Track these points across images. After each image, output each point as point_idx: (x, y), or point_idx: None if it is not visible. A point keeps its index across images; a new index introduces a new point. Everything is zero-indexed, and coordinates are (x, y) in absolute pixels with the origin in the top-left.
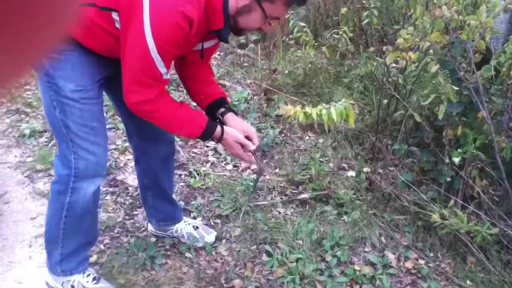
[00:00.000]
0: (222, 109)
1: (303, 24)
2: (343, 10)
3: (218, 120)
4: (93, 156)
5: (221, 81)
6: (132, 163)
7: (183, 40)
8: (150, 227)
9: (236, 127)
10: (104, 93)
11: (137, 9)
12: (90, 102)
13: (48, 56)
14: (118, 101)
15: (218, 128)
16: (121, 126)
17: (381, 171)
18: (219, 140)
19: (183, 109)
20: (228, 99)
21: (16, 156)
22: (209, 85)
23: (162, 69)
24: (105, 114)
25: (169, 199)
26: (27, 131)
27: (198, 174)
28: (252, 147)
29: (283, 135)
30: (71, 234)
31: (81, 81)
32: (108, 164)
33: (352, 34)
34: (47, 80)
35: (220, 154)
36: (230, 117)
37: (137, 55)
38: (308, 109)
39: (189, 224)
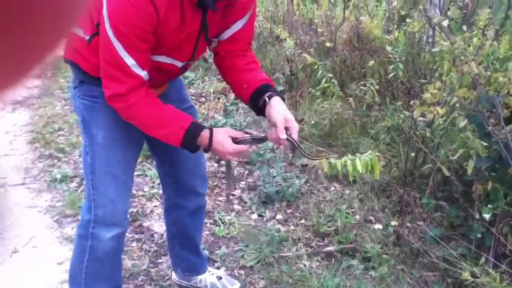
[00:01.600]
0: (268, 94)
1: (331, 75)
2: (371, 63)
3: (263, 107)
4: (112, 204)
5: (247, 130)
6: (159, 210)
7: (147, 22)
8: (174, 276)
9: (277, 112)
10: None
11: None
12: (118, 150)
13: (46, 65)
14: (153, 153)
15: (206, 132)
16: (149, 173)
17: (409, 225)
18: (208, 147)
19: (165, 109)
20: (274, 85)
21: (46, 201)
22: (251, 72)
23: (128, 59)
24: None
25: (196, 251)
26: (58, 176)
27: (223, 223)
28: (245, 149)
29: (308, 185)
30: (93, 279)
31: (111, 129)
32: (135, 210)
33: (378, 86)
34: (83, 127)
35: (245, 203)
36: (275, 101)
37: (102, 45)
38: (333, 160)
39: (213, 274)
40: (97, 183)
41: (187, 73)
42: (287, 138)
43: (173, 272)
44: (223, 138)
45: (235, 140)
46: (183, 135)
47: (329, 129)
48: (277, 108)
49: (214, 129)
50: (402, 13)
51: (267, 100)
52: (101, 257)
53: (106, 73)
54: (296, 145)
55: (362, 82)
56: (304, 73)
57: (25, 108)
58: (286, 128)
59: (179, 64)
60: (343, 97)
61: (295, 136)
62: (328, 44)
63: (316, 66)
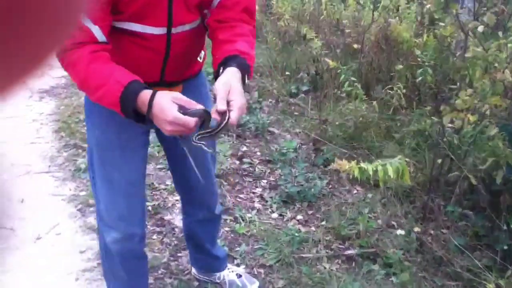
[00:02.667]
0: (228, 64)
1: (354, 79)
2: (399, 66)
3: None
4: (105, 206)
5: (270, 128)
6: (180, 204)
7: None
8: (194, 271)
9: (220, 81)
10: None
11: None
12: (114, 152)
13: (45, 65)
14: (167, 158)
15: (147, 93)
16: None
17: (432, 232)
18: (147, 112)
19: (108, 66)
20: (250, 61)
21: (70, 189)
22: (229, 44)
23: None
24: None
25: (210, 254)
26: (83, 166)
27: (243, 220)
28: (191, 123)
29: (330, 186)
30: (108, 277)
31: (106, 128)
32: (156, 203)
33: (405, 90)
34: (86, 121)
35: (266, 201)
36: (227, 71)
37: None
38: (363, 164)
39: (232, 271)
40: (96, 181)
41: (210, 70)
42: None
43: (192, 267)
44: (166, 102)
45: (185, 112)
46: (120, 93)
47: (353, 131)
48: (223, 77)
49: (159, 91)
50: (436, 16)
51: (221, 70)
52: (109, 257)
53: None
54: (218, 128)
55: (389, 85)
56: (329, 74)
57: (52, 97)
58: (229, 103)
59: (156, 31)
60: (368, 100)
61: (234, 113)
62: (355, 46)
63: (340, 70)
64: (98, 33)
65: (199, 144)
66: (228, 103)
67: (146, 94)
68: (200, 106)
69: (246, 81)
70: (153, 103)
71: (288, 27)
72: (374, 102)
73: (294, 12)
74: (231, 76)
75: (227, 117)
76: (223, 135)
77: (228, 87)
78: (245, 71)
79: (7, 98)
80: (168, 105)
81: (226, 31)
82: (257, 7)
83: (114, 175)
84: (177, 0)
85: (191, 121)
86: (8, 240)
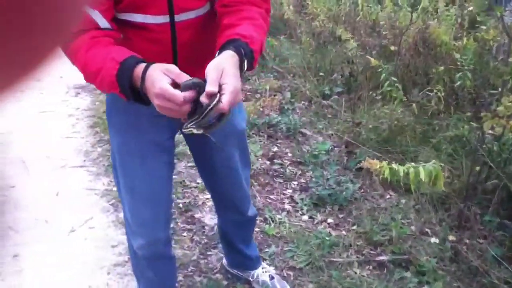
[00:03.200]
0: (226, 48)
1: (394, 79)
2: (440, 68)
3: None
4: (130, 214)
5: (302, 130)
6: (210, 203)
7: None
8: (225, 263)
9: (212, 62)
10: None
11: None
12: (134, 159)
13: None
14: (197, 161)
15: (141, 66)
16: None
17: (467, 241)
18: (141, 86)
19: (108, 48)
20: (253, 45)
21: (103, 184)
22: (233, 28)
23: None
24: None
25: (243, 254)
26: None
27: (273, 221)
28: (178, 97)
29: (362, 190)
30: (137, 277)
31: (125, 134)
32: (187, 201)
33: (443, 94)
34: (108, 127)
35: (296, 203)
36: (222, 54)
37: None
38: (395, 165)
39: (266, 272)
40: (120, 187)
41: None
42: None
43: (224, 259)
44: (157, 74)
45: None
46: (116, 70)
47: (387, 135)
48: (215, 59)
49: (154, 64)
50: (479, 19)
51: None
52: (137, 259)
53: None
54: (206, 110)
55: (428, 88)
56: (364, 76)
57: (87, 93)
58: (220, 87)
59: (157, 20)
60: (404, 103)
61: (226, 97)
62: (392, 48)
63: (380, 69)
64: (98, 18)
65: (189, 129)
66: (220, 87)
67: (141, 67)
68: (195, 79)
69: (246, 66)
70: (146, 75)
71: (323, 28)
72: (414, 105)
73: (329, 13)
74: (224, 59)
75: (216, 99)
76: (218, 124)
77: (220, 70)
78: (245, 55)
79: (6, 97)
80: (158, 76)
81: (232, 16)
82: (291, 7)
83: (135, 183)
84: None
85: (179, 96)
86: (43, 231)
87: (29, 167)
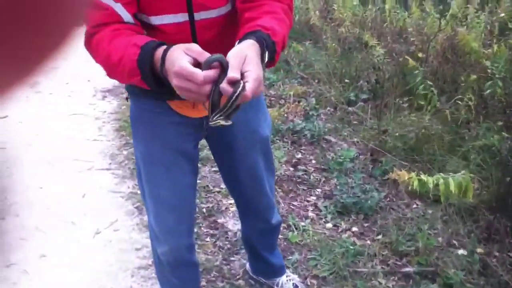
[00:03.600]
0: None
1: (430, 83)
2: (472, 77)
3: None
4: (154, 221)
5: (326, 136)
6: (233, 208)
7: None
8: (249, 269)
9: (234, 49)
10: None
11: None
12: (158, 168)
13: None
14: (221, 169)
15: (162, 48)
16: None
17: (497, 254)
18: (161, 68)
19: (131, 37)
20: (275, 37)
21: (129, 187)
22: (252, 21)
23: None
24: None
25: (267, 261)
26: None
27: (296, 229)
28: (198, 76)
29: (388, 199)
30: (162, 278)
31: (148, 143)
32: (210, 206)
33: (473, 102)
34: (132, 135)
35: (320, 211)
36: (242, 42)
37: None
38: (424, 176)
39: (290, 280)
40: (145, 193)
41: (267, 74)
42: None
43: (248, 265)
44: (177, 54)
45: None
46: (137, 55)
47: (414, 143)
48: (236, 47)
49: (177, 45)
50: (510, 25)
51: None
52: (161, 264)
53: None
54: (230, 101)
55: (458, 97)
56: (391, 82)
57: (114, 97)
58: (242, 75)
59: (177, 19)
60: (431, 111)
61: (250, 84)
62: (420, 55)
63: (417, 71)
64: (121, 11)
65: (216, 122)
66: (242, 75)
67: (162, 49)
68: (218, 55)
69: (267, 58)
70: (166, 56)
71: (349, 34)
72: (447, 111)
73: (355, 18)
74: (245, 47)
75: (241, 86)
76: (235, 112)
77: (243, 57)
78: (267, 46)
79: (7, 97)
80: (179, 55)
81: (253, 11)
82: (317, 13)
83: (159, 191)
84: None
85: (198, 74)
86: (69, 233)
87: (56, 168)
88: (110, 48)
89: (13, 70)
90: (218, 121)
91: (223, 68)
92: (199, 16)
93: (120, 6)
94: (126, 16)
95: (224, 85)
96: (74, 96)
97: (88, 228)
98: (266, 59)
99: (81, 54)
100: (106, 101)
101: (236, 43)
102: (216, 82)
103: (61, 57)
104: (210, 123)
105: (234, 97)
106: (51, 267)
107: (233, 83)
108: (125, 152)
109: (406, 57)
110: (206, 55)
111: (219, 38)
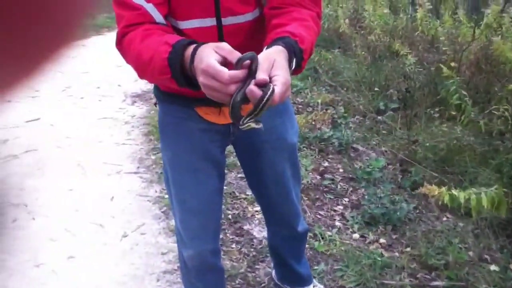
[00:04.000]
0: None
1: (465, 93)
2: (510, 87)
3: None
4: (180, 225)
5: (354, 145)
6: (259, 216)
7: None
8: (275, 276)
9: (264, 52)
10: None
11: None
12: (185, 174)
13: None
14: (247, 175)
15: (192, 46)
16: None
17: None
18: (189, 65)
19: (163, 36)
20: (303, 44)
21: (156, 191)
22: (280, 27)
23: None
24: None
25: (293, 270)
26: None
27: (322, 238)
28: (224, 74)
29: (417, 211)
30: (187, 283)
31: (176, 148)
32: (236, 212)
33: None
34: (160, 140)
35: (347, 221)
36: (271, 48)
37: None
38: (455, 191)
39: None
40: (172, 198)
41: (295, 81)
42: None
43: (274, 272)
44: (207, 52)
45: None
46: (168, 53)
47: (445, 154)
48: (265, 51)
49: (207, 43)
50: None
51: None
52: (186, 269)
53: (116, 17)
54: (260, 104)
55: (494, 107)
56: (422, 92)
57: (143, 102)
58: (271, 78)
59: (205, 23)
60: (463, 122)
61: (278, 88)
62: (452, 64)
63: (451, 80)
64: (153, 11)
65: (247, 124)
66: (270, 78)
67: (192, 47)
68: (251, 53)
69: (294, 65)
70: (196, 54)
71: (379, 42)
72: (481, 122)
73: (386, 27)
74: (274, 52)
75: (271, 89)
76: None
77: (272, 61)
78: (294, 53)
79: (6, 98)
80: (208, 53)
81: (282, 17)
82: (347, 21)
83: (187, 196)
84: None
85: (224, 73)
86: (97, 235)
87: (86, 171)
88: (141, 47)
89: (12, 70)
90: (249, 124)
91: (251, 71)
92: (226, 21)
93: (152, 7)
94: (158, 17)
95: (252, 87)
96: (105, 101)
97: (115, 231)
98: (293, 66)
99: (113, 59)
100: (135, 106)
101: (264, 48)
102: (242, 83)
103: (62, 57)
104: (241, 126)
105: (264, 100)
106: (79, 269)
107: (262, 85)
108: (153, 157)
109: (441, 65)
110: (236, 54)
111: (246, 44)
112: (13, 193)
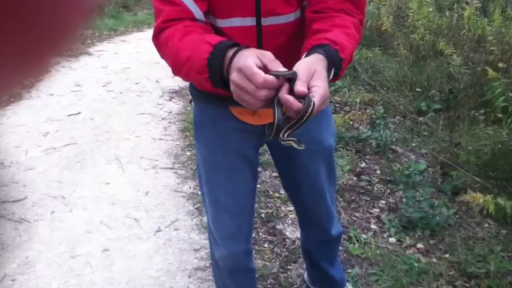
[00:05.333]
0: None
1: None
2: None
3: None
4: (213, 225)
5: (392, 146)
6: (292, 215)
7: None
8: (307, 279)
9: (302, 61)
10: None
11: None
12: (219, 174)
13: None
14: (281, 176)
15: (234, 48)
16: None
17: None
18: (228, 67)
19: (203, 35)
20: (343, 53)
21: (190, 187)
22: (320, 33)
23: None
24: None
25: (325, 273)
26: None
27: (357, 241)
28: (258, 78)
29: (457, 216)
30: (219, 282)
31: (211, 149)
32: (269, 211)
33: None
34: (194, 139)
35: (384, 224)
36: (310, 56)
37: None
38: (501, 200)
39: None
40: (205, 197)
41: None
42: (301, 99)
43: (306, 274)
44: (248, 54)
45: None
46: (208, 53)
47: (489, 158)
48: (306, 59)
49: (251, 48)
50: None
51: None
52: (218, 268)
53: (154, 11)
54: (302, 120)
55: None
56: (466, 93)
57: (180, 98)
58: (310, 89)
59: (245, 22)
60: (511, 125)
61: (315, 100)
62: (500, 65)
63: (497, 82)
64: (193, 7)
65: (288, 142)
66: (308, 89)
67: (234, 49)
68: (290, 72)
69: (332, 74)
70: (235, 58)
71: (422, 41)
72: None
73: (430, 25)
74: (315, 61)
75: (312, 103)
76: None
77: (312, 71)
78: (335, 64)
79: (3, 97)
80: (249, 55)
81: (323, 22)
82: (390, 18)
83: (220, 195)
84: None
85: (260, 76)
86: (132, 229)
87: (123, 165)
88: (180, 44)
89: (11, 70)
90: (291, 142)
91: (289, 82)
92: (266, 21)
93: (192, 2)
94: (198, 13)
95: (289, 97)
96: (143, 96)
97: (150, 225)
98: (331, 76)
99: (152, 55)
100: (172, 102)
101: (304, 55)
102: (275, 91)
103: (62, 57)
104: (282, 142)
105: (306, 115)
106: (113, 262)
107: (301, 96)
108: (188, 153)
109: (486, 67)
110: (277, 64)
111: (285, 45)
112: (52, 185)
